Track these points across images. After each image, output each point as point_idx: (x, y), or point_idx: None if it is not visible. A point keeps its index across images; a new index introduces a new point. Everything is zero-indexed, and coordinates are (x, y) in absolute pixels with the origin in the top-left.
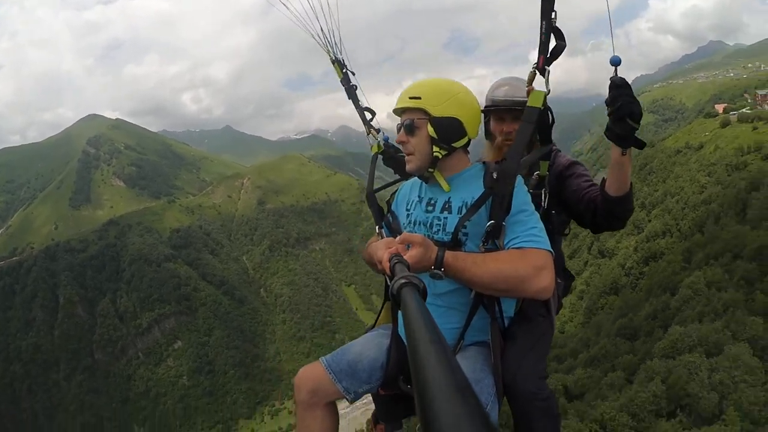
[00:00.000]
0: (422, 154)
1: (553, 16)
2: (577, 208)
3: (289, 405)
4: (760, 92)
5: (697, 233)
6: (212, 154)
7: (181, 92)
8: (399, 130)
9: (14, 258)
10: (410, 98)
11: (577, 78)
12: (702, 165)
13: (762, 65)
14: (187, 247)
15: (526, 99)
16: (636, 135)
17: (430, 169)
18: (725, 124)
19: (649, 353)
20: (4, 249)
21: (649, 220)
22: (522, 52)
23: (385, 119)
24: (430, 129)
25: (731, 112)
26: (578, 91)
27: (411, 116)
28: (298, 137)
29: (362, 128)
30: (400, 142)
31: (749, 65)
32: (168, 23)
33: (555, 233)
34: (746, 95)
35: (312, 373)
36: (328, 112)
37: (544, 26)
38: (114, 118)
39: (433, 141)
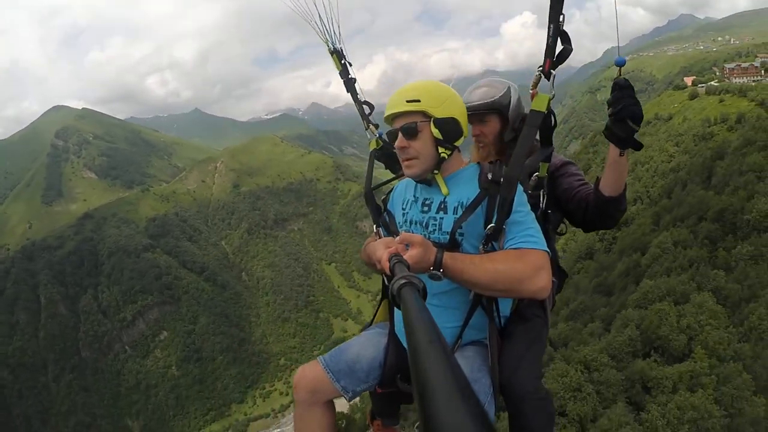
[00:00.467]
0: (427, 157)
1: (561, 20)
2: (568, 206)
3: (280, 386)
4: (727, 66)
5: (665, 199)
6: (183, 138)
7: (147, 76)
8: (393, 136)
9: None
10: (408, 101)
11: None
12: (671, 135)
13: (731, 39)
14: (165, 236)
15: (488, 101)
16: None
17: (435, 171)
18: (693, 97)
19: (623, 305)
20: None
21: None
22: (493, 24)
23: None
24: (435, 130)
25: (699, 85)
26: None
27: (410, 120)
28: (268, 117)
29: (333, 105)
30: (400, 148)
31: (719, 39)
32: (129, 2)
33: (551, 232)
34: (715, 68)
35: (310, 373)
36: (297, 90)
37: (551, 29)
38: (80, 108)
39: (438, 142)
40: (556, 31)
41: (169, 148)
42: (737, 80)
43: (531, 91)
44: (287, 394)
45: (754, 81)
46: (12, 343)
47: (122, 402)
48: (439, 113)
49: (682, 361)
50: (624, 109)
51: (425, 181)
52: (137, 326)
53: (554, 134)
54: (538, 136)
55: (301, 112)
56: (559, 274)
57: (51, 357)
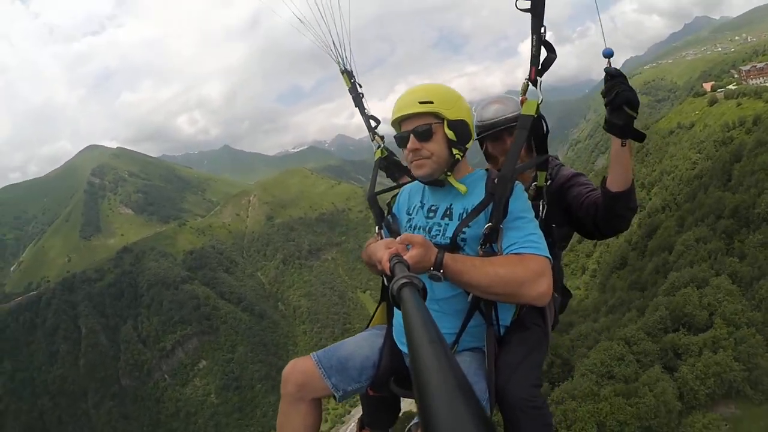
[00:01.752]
0: (441, 158)
1: (542, 31)
2: (578, 214)
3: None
4: (743, 68)
5: (688, 203)
6: (214, 174)
7: (177, 115)
8: (404, 140)
9: (32, 293)
10: (420, 103)
11: (567, 65)
12: (693, 143)
13: (749, 37)
14: (203, 268)
15: (517, 113)
16: (635, 126)
17: (448, 173)
18: (713, 102)
19: (655, 295)
20: (18, 285)
21: (650, 198)
22: (511, 44)
23: (381, 125)
24: (449, 132)
25: (718, 90)
26: (570, 79)
27: (422, 122)
28: (296, 150)
29: (358, 136)
30: (413, 150)
31: (736, 38)
32: (156, 47)
33: (555, 247)
34: (733, 71)
35: (301, 367)
36: (323, 122)
37: (534, 40)
38: (114, 147)
39: (451, 144)
40: (539, 41)
41: (203, 183)
42: (754, 81)
43: (521, 98)
44: (327, 421)
45: None
46: (52, 371)
47: (162, 429)
48: (451, 115)
49: (705, 332)
50: (618, 96)
51: (436, 182)
52: (176, 355)
53: (583, 149)
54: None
55: (327, 144)
56: (563, 293)
57: (91, 385)
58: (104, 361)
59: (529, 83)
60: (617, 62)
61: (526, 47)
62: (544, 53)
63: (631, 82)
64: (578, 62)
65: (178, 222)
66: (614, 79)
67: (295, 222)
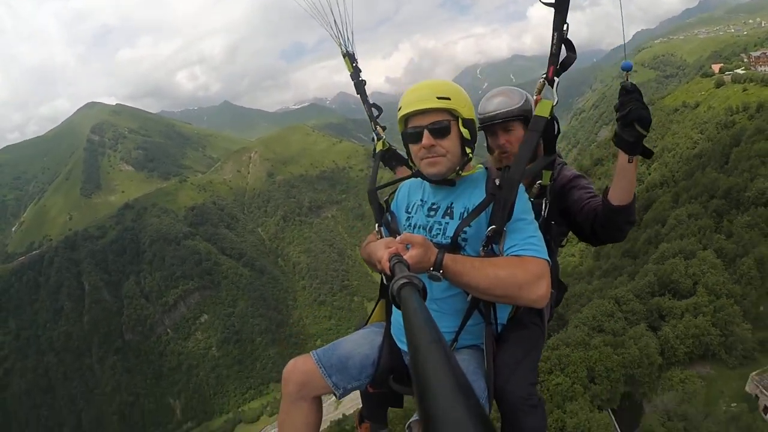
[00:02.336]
0: (455, 156)
1: (564, 29)
2: (577, 218)
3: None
4: (753, 54)
5: (684, 181)
6: (215, 130)
7: (177, 71)
8: (416, 136)
9: (35, 251)
10: (438, 98)
11: (577, 34)
12: (696, 123)
13: (762, 21)
14: (204, 224)
15: (512, 108)
16: (644, 143)
17: (460, 171)
18: (719, 85)
19: (645, 263)
20: (20, 245)
21: (649, 173)
22: (519, 8)
23: (383, 83)
24: (464, 130)
25: (726, 73)
26: (579, 47)
27: (438, 117)
28: (297, 107)
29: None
30: (428, 146)
31: (750, 21)
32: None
33: (552, 243)
34: (742, 55)
35: (302, 366)
36: (324, 80)
37: (555, 37)
38: (113, 104)
39: (465, 142)
40: (560, 40)
41: (203, 140)
42: (762, 68)
43: (535, 97)
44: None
45: None
46: (57, 328)
47: (164, 382)
48: (466, 114)
49: (688, 298)
50: (631, 113)
51: (446, 182)
52: (179, 310)
53: (587, 119)
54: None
55: (328, 102)
56: (559, 286)
57: (95, 340)
58: (108, 317)
59: (546, 83)
60: (628, 34)
61: (535, 11)
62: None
63: (640, 56)
64: (588, 31)
65: (178, 178)
66: (630, 94)
67: (296, 179)
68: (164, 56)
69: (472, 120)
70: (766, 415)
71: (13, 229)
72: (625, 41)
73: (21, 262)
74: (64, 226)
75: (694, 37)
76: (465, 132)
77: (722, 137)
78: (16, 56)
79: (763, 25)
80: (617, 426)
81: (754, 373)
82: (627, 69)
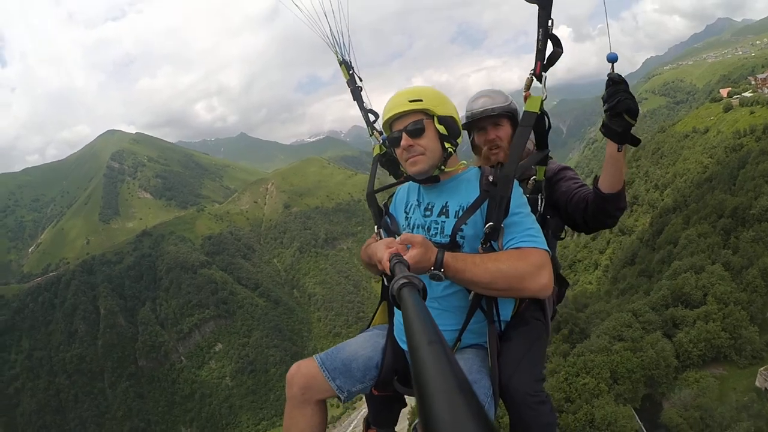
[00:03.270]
0: (434, 152)
1: (549, 24)
2: (567, 209)
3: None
4: (760, 76)
5: (695, 203)
6: (231, 161)
7: (195, 102)
8: (396, 140)
9: (52, 273)
10: (410, 101)
11: (587, 63)
12: (706, 148)
13: None
14: (221, 253)
15: (502, 105)
16: (632, 131)
17: (442, 167)
18: (728, 109)
19: (659, 280)
20: (36, 266)
21: (662, 199)
22: (530, 40)
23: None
24: (440, 127)
25: (734, 96)
26: (589, 77)
27: (413, 119)
28: (312, 140)
29: None
30: (406, 147)
31: (757, 42)
32: (177, 35)
33: (551, 237)
34: (750, 77)
35: (305, 370)
36: (339, 113)
37: (540, 33)
38: (133, 132)
39: (443, 138)
40: (546, 35)
41: (220, 170)
42: None
43: (524, 93)
44: (338, 407)
45: None
46: (70, 351)
47: (177, 410)
48: (440, 111)
49: (699, 307)
50: (619, 104)
51: (431, 179)
52: (193, 338)
53: (599, 148)
54: (533, 140)
55: (343, 135)
56: (560, 282)
57: (108, 365)
58: (122, 342)
59: (534, 78)
60: (637, 61)
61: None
62: (550, 47)
63: (650, 83)
64: (598, 60)
65: (196, 207)
66: (616, 85)
67: (312, 211)
68: (183, 87)
69: (448, 117)
70: None
71: (30, 250)
72: (610, 42)
73: (38, 283)
74: (82, 250)
75: (702, 62)
76: (441, 128)
77: (731, 160)
78: (37, 80)
79: None
80: (639, 419)
81: (762, 368)
82: (613, 60)
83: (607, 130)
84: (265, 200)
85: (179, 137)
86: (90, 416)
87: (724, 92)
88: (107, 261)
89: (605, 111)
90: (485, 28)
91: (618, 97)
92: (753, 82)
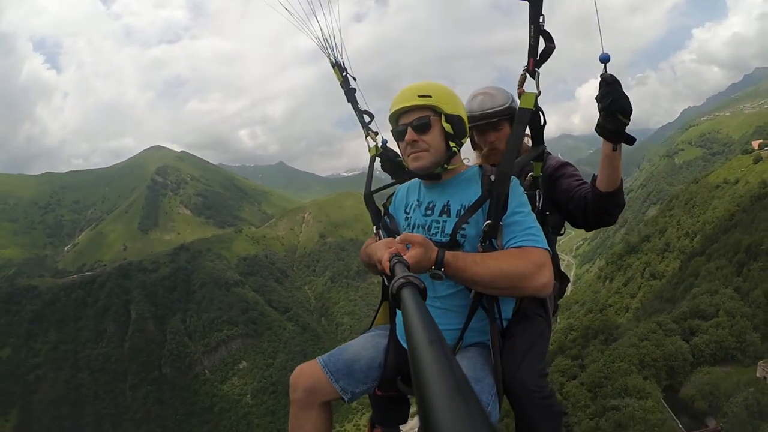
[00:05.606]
0: (438, 150)
1: (541, 20)
2: (568, 206)
3: (349, 428)
4: None
5: (715, 244)
6: (269, 188)
7: (239, 128)
8: (402, 133)
9: (87, 273)
10: (419, 96)
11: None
12: (734, 197)
13: None
14: (254, 275)
15: (499, 108)
16: (626, 131)
17: (445, 165)
18: (757, 160)
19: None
20: (71, 265)
21: (692, 246)
22: (569, 87)
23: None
24: (446, 125)
25: (765, 148)
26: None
27: (420, 114)
28: (348, 174)
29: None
30: (411, 142)
31: None
32: (229, 63)
33: (550, 234)
34: None
35: (309, 372)
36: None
37: (532, 30)
38: (178, 150)
39: (448, 137)
40: (537, 31)
41: (259, 196)
42: None
43: (518, 90)
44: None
45: None
46: (97, 349)
47: (195, 420)
48: (448, 109)
49: (711, 319)
50: (613, 103)
51: (433, 176)
52: (219, 353)
53: (634, 198)
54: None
55: (378, 171)
56: (560, 278)
57: (133, 367)
58: (149, 348)
59: (527, 75)
60: (676, 111)
61: (583, 92)
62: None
63: (686, 134)
64: (635, 110)
65: (234, 228)
66: (610, 85)
67: (347, 243)
68: (230, 113)
69: (456, 116)
70: None
71: (66, 249)
72: (602, 43)
73: (72, 280)
74: (118, 255)
75: (739, 113)
76: (447, 127)
77: (756, 209)
78: (90, 90)
79: None
80: (660, 392)
81: (762, 361)
82: (605, 61)
83: (601, 130)
84: (302, 228)
85: (220, 159)
86: (107, 414)
87: (755, 144)
88: (143, 268)
89: (599, 111)
90: None
91: (611, 97)
92: None
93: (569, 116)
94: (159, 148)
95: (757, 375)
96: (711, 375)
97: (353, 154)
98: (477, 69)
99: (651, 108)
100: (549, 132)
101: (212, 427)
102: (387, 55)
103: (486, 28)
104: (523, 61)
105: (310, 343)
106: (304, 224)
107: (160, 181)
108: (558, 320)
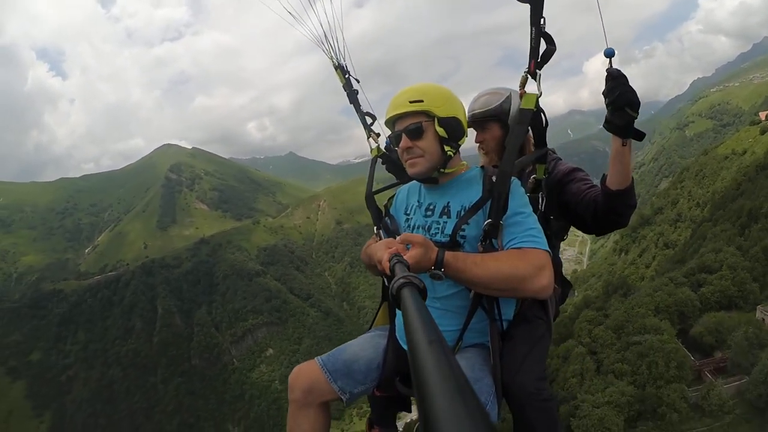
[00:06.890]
0: (433, 155)
1: (542, 23)
2: (577, 210)
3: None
4: None
5: (721, 210)
6: (282, 178)
7: (247, 121)
8: (397, 139)
9: (110, 273)
10: (411, 102)
11: (633, 86)
12: (741, 167)
13: None
14: (275, 264)
15: (486, 109)
16: (635, 125)
17: (442, 169)
18: (764, 131)
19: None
20: (94, 266)
21: (703, 215)
22: (575, 63)
23: None
24: (440, 129)
25: None
26: None
27: (413, 120)
28: (357, 161)
29: None
30: (405, 148)
31: None
32: (232, 56)
33: (553, 238)
34: None
35: (307, 372)
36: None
37: (533, 32)
38: (189, 147)
39: (443, 141)
40: (538, 33)
41: (273, 186)
42: None
43: (519, 91)
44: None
45: None
46: (126, 345)
47: (226, 408)
48: (442, 113)
49: (717, 272)
50: (620, 97)
51: (431, 180)
52: (246, 342)
53: (646, 172)
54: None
55: (383, 171)
56: (563, 284)
57: (163, 361)
58: (177, 341)
59: (528, 76)
60: (685, 83)
61: (590, 66)
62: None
63: (696, 106)
64: (644, 83)
65: (252, 220)
66: (616, 80)
67: (363, 228)
68: (237, 106)
69: (451, 118)
70: None
71: (87, 251)
72: (606, 38)
73: (97, 281)
74: (139, 253)
75: (749, 83)
76: (441, 131)
77: (760, 178)
78: (95, 94)
79: None
80: (674, 330)
81: (760, 305)
82: (610, 55)
83: (609, 125)
84: (318, 216)
85: (230, 153)
86: (140, 408)
87: (762, 115)
88: (166, 265)
89: (607, 106)
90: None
91: (618, 91)
92: None
93: (577, 91)
94: (170, 146)
95: (757, 317)
96: (717, 318)
97: (362, 141)
98: (480, 48)
99: (660, 80)
100: (558, 109)
101: (243, 414)
102: (390, 39)
103: (488, 9)
104: (526, 39)
105: (334, 327)
106: (320, 212)
107: (174, 178)
108: (576, 293)
